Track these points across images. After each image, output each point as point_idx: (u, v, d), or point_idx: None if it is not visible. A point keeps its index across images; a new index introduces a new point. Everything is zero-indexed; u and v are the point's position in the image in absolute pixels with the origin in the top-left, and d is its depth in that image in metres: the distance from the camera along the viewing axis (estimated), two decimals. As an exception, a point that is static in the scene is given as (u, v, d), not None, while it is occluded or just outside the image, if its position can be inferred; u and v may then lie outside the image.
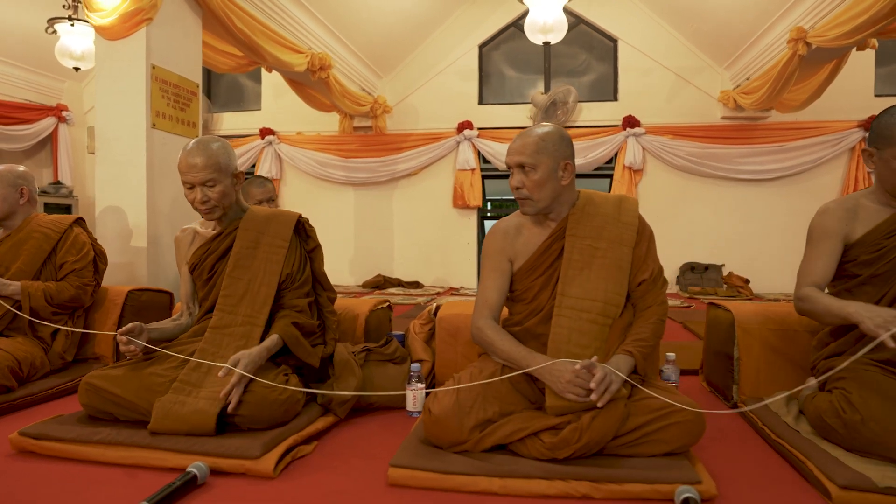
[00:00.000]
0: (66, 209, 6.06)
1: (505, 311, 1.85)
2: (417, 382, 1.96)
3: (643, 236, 1.71)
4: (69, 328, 2.28)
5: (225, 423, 1.64)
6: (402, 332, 2.30)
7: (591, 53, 6.71)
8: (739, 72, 5.91)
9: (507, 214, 6.73)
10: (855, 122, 5.97)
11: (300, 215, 2.05)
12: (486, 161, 6.76)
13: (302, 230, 2.04)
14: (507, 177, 6.82)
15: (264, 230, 1.98)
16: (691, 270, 6.31)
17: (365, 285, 6.64)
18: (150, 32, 2.93)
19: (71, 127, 6.78)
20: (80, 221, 2.43)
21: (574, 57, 6.75)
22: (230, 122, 7.15)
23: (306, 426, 1.73)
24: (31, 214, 2.39)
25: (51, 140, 6.61)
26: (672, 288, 6.47)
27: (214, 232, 2.01)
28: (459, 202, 6.75)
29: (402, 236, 6.98)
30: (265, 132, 6.91)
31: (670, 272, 6.47)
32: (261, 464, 1.48)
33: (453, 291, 6.47)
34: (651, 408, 1.48)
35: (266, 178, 3.26)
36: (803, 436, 1.62)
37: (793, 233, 5.20)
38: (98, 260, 2.41)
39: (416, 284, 6.72)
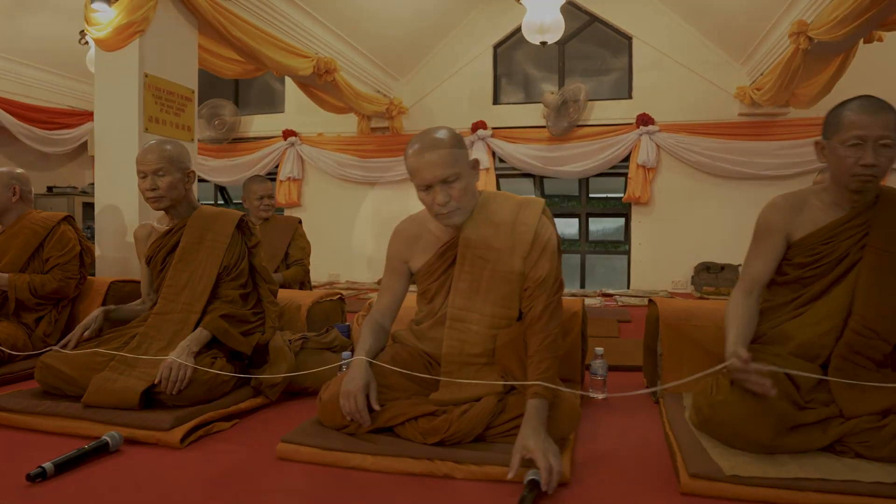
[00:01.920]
0: (103, 208, 6.50)
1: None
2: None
3: (536, 245, 1.65)
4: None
5: (153, 400, 1.82)
6: (348, 324, 2.43)
7: (605, 52, 6.66)
8: (755, 67, 5.74)
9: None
10: None
11: (244, 214, 2.21)
12: (501, 161, 6.82)
13: (245, 228, 2.21)
14: (522, 176, 6.94)
15: (209, 227, 2.15)
16: (706, 270, 6.17)
17: (380, 282, 6.81)
18: (142, 43, 3.18)
19: (111, 131, 7.26)
20: (68, 219, 2.67)
21: (588, 55, 6.71)
22: (256, 124, 7.47)
23: (230, 406, 1.88)
24: (25, 212, 2.65)
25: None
26: (687, 288, 6.35)
27: (167, 227, 2.20)
28: (474, 201, 6.82)
29: (417, 234, 7.11)
30: (288, 134, 7.19)
31: (685, 272, 6.35)
32: (169, 435, 1.64)
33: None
34: (524, 401, 1.54)
35: (264, 177, 3.49)
36: (691, 428, 1.65)
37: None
38: (84, 255, 2.64)
39: (430, 282, 6.84)
